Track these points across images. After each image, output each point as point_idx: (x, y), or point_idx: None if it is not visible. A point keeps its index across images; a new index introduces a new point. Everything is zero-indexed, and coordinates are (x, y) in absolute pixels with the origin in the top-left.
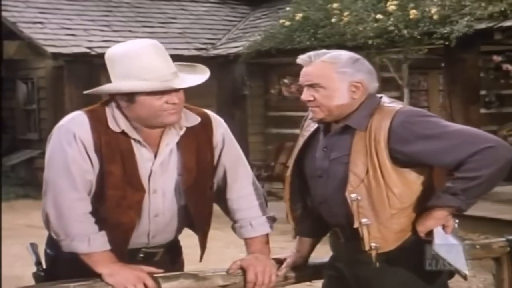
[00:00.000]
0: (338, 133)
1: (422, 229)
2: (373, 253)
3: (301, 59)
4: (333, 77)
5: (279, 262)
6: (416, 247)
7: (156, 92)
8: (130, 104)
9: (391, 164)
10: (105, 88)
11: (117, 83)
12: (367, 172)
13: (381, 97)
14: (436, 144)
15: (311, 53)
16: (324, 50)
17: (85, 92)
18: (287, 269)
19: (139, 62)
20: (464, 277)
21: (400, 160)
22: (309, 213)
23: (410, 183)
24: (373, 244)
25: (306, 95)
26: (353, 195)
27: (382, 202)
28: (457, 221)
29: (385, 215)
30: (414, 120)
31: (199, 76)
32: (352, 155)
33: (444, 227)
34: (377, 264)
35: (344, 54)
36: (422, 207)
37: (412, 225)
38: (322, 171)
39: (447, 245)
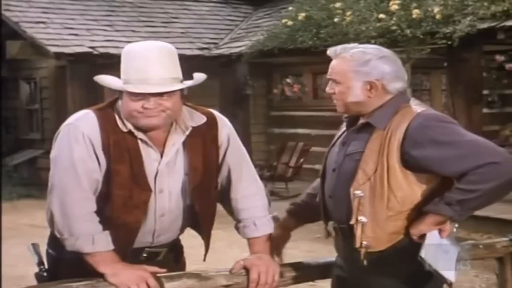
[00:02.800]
0: (358, 129)
1: (414, 232)
2: (362, 251)
3: (329, 51)
4: (348, 75)
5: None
6: (408, 249)
7: (136, 94)
8: (120, 100)
9: (401, 167)
10: (99, 78)
11: (106, 77)
12: (376, 171)
13: (410, 99)
14: (445, 151)
15: (340, 46)
16: (353, 45)
17: (94, 78)
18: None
19: (134, 62)
20: (449, 285)
21: (411, 163)
22: (311, 203)
23: (416, 188)
24: (364, 243)
25: (328, 88)
26: (357, 192)
27: (381, 203)
28: (456, 225)
29: (381, 216)
30: (430, 124)
31: (172, 84)
32: (366, 152)
33: (440, 231)
34: (365, 262)
35: (368, 51)
36: (420, 211)
37: (407, 227)
38: (336, 165)
39: (437, 250)
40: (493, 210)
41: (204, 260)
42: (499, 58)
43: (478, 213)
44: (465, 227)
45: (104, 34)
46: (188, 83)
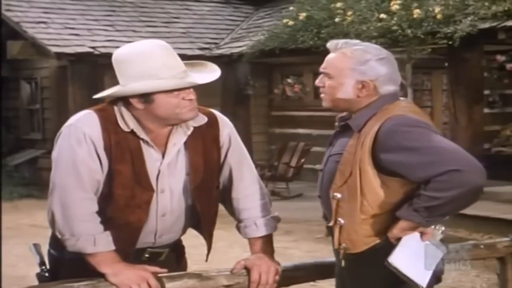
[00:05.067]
0: (342, 130)
1: (391, 236)
2: (341, 252)
3: (330, 44)
4: (344, 71)
5: None
6: (386, 253)
7: (173, 90)
8: (147, 105)
9: (373, 170)
10: (120, 91)
11: (131, 85)
12: (351, 174)
13: (396, 100)
14: (410, 157)
15: (342, 41)
16: (356, 41)
17: (95, 96)
18: None
19: (153, 61)
20: None
21: (382, 167)
22: None
23: (389, 192)
24: (342, 244)
25: (318, 80)
26: (335, 194)
27: (355, 207)
28: (443, 228)
29: (356, 219)
30: (398, 129)
31: (210, 73)
32: (344, 154)
33: (422, 233)
34: (343, 263)
35: (369, 51)
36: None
37: (384, 231)
38: (322, 166)
39: (412, 254)
40: (494, 210)
41: (207, 260)
42: (500, 58)
43: (478, 213)
44: (466, 227)
45: (105, 34)
46: (217, 72)
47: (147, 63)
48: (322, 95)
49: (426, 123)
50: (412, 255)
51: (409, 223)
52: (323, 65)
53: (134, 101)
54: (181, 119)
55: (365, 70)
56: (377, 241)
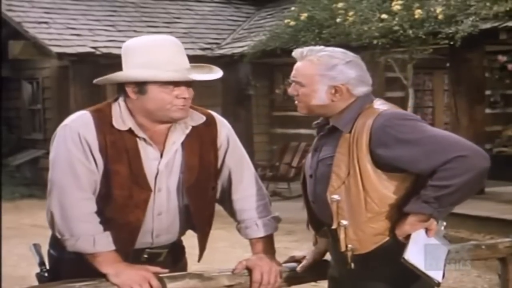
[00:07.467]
0: (327, 134)
1: (399, 233)
2: (349, 254)
3: (295, 52)
4: (314, 78)
5: (296, 260)
6: (395, 250)
7: (168, 84)
8: (140, 96)
9: (373, 167)
10: (117, 75)
11: (131, 71)
12: (349, 174)
13: (374, 99)
14: (411, 150)
15: (306, 48)
16: (320, 47)
17: (95, 81)
18: (304, 269)
19: (160, 54)
20: (437, 284)
21: (381, 163)
22: None
23: (391, 188)
24: (349, 246)
25: (291, 89)
26: (334, 196)
27: (359, 205)
28: (444, 223)
29: (361, 218)
30: (392, 124)
31: (210, 74)
32: (336, 156)
33: (427, 230)
34: (352, 265)
35: (335, 56)
36: (402, 211)
37: (390, 228)
38: (312, 171)
39: (423, 250)
40: (495, 211)
41: (199, 261)
42: (502, 58)
43: (480, 213)
44: (467, 228)
45: (106, 34)
46: (219, 73)
47: (154, 53)
48: (297, 103)
49: (415, 115)
50: (423, 251)
51: (419, 217)
52: (293, 74)
53: (129, 90)
54: (170, 116)
55: (334, 75)
56: (385, 239)
